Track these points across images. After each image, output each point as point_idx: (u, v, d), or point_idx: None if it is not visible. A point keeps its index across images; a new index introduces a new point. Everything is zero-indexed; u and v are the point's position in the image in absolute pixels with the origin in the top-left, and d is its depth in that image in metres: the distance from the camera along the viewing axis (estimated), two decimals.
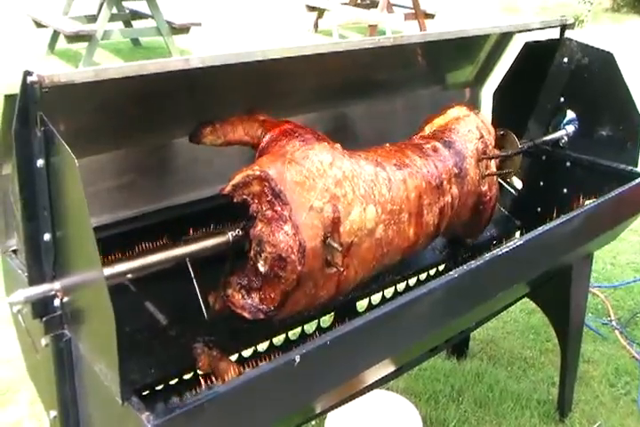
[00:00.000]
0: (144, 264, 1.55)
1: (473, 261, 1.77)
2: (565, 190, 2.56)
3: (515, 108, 2.59)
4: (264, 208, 1.61)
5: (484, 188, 2.13)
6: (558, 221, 2.02)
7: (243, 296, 1.65)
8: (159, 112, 1.74)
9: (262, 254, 1.61)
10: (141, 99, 1.62)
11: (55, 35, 7.36)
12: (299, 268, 1.58)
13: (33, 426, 2.57)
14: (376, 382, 1.90)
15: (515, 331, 3.25)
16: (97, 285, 1.22)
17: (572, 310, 2.48)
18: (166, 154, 1.88)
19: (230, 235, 1.67)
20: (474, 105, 2.64)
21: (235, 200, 1.64)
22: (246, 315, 1.65)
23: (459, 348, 3.00)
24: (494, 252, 1.83)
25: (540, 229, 1.97)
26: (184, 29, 7.26)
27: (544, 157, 2.60)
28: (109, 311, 1.18)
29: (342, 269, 1.68)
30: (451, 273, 1.70)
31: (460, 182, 2.04)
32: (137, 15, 7.67)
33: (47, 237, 1.38)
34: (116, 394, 1.24)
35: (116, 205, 1.82)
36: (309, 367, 1.42)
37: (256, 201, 1.61)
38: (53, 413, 1.51)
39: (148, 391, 1.85)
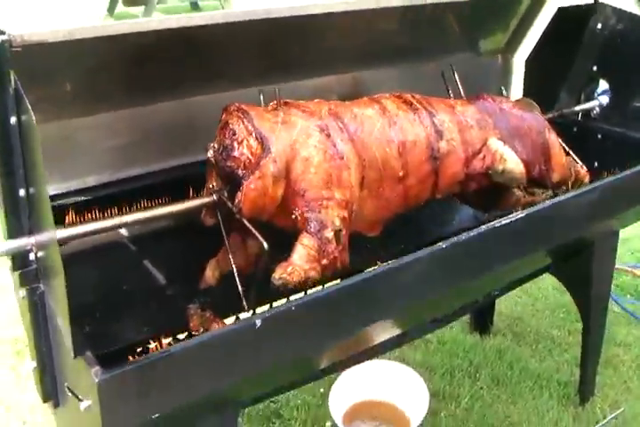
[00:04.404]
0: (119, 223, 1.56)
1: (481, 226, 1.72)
2: (596, 164, 2.44)
3: (546, 76, 2.48)
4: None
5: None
6: (573, 193, 1.95)
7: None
8: (152, 74, 1.73)
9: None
10: (145, 57, 1.63)
11: None
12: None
13: None
14: (376, 347, 1.90)
15: (545, 309, 3.15)
16: (51, 242, 1.26)
17: (594, 289, 2.37)
18: (165, 115, 1.88)
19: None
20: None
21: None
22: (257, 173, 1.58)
23: (483, 323, 2.94)
24: (510, 215, 1.79)
25: (555, 200, 1.91)
26: None
27: (575, 129, 2.49)
28: (60, 268, 1.21)
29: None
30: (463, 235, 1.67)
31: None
32: None
33: (22, 192, 1.42)
34: (69, 348, 1.27)
35: (114, 164, 1.85)
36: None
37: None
38: (33, 363, 1.56)
39: (140, 349, 1.89)
